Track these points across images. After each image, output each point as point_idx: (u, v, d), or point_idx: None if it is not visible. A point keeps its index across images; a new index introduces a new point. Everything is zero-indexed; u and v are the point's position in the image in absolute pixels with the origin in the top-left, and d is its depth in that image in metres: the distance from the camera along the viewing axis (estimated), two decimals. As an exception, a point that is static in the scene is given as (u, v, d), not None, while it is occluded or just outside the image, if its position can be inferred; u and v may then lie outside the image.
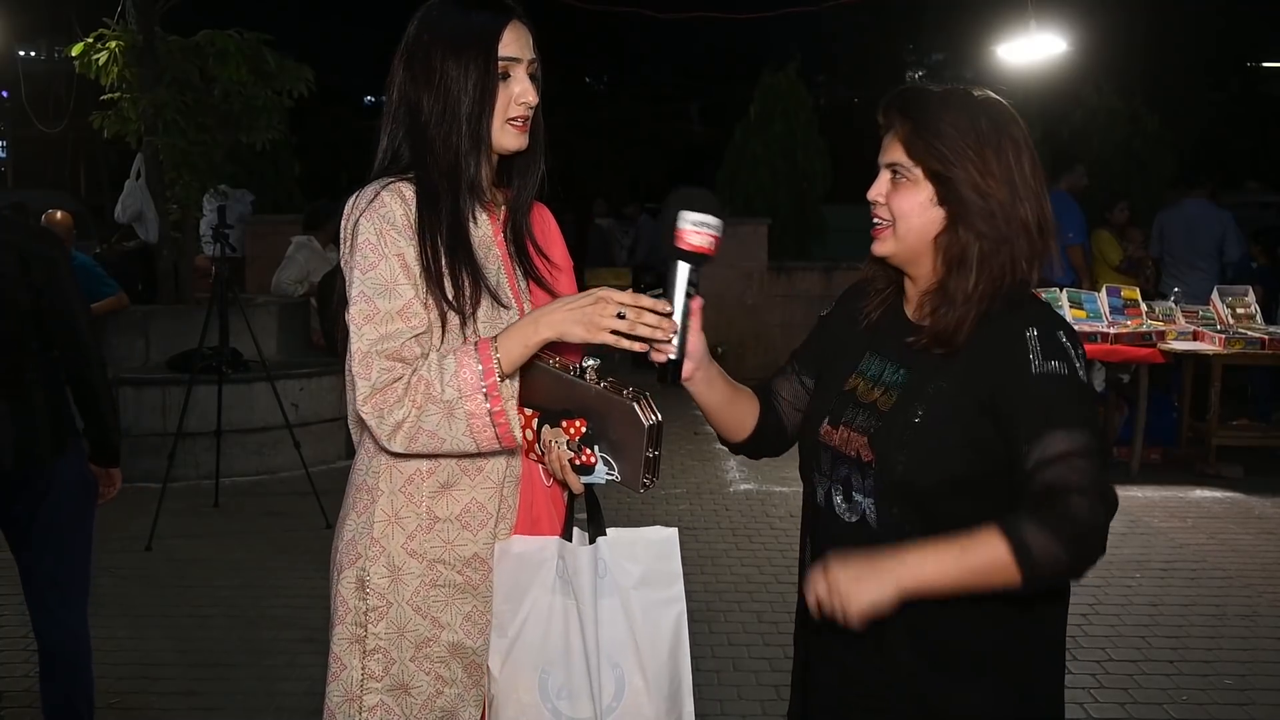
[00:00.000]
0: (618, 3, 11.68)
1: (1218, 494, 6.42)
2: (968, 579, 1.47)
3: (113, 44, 6.95)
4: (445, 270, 1.74)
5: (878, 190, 1.66)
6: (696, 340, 1.69)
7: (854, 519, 1.66)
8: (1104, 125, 10.73)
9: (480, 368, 1.69)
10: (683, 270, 1.66)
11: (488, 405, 1.69)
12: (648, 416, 1.67)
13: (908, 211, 1.62)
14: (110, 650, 3.90)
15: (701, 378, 1.74)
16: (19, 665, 3.83)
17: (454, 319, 1.76)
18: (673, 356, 1.67)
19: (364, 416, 1.71)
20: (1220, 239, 8.27)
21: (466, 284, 1.75)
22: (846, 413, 1.69)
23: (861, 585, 1.47)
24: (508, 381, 1.72)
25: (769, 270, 10.45)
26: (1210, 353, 6.64)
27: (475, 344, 1.72)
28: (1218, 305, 7.10)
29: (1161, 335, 6.72)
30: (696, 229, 1.64)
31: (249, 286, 9.44)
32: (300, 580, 4.78)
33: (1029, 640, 1.65)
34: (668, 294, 1.66)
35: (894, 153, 1.64)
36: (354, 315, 1.73)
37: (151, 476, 5.72)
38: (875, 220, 1.67)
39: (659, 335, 1.65)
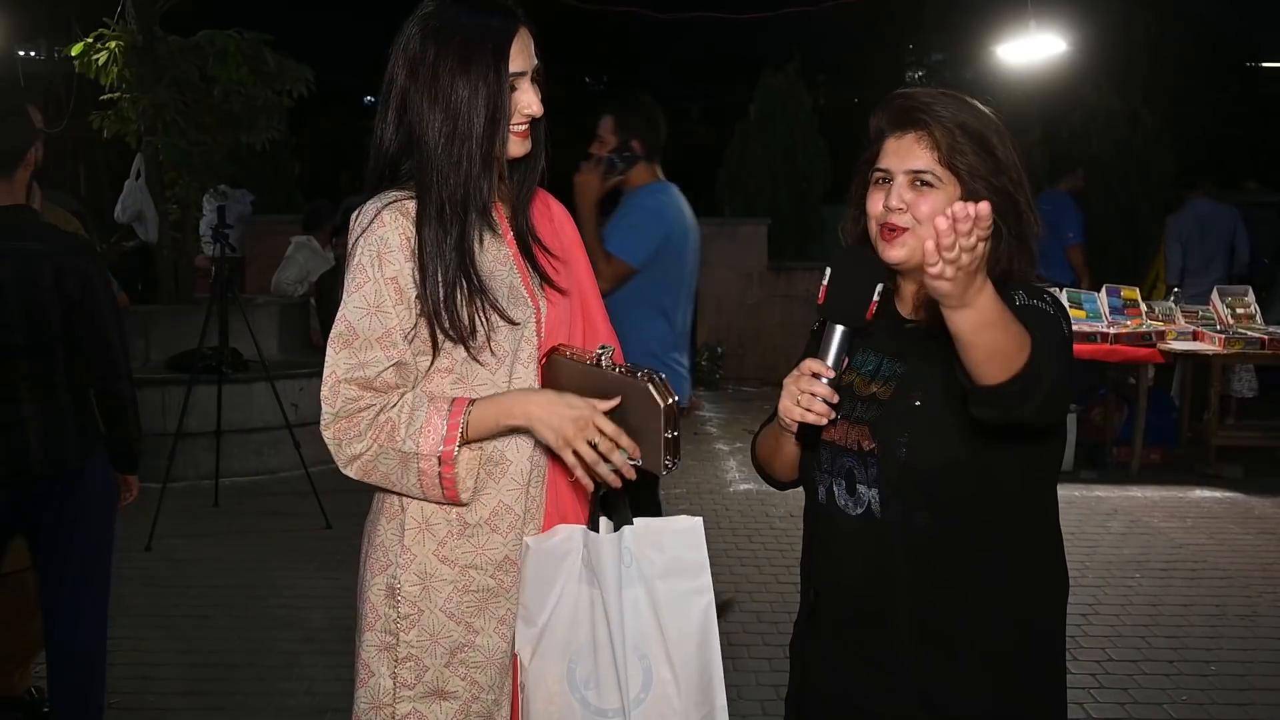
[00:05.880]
0: (618, 3, 11.67)
1: (1218, 494, 6.41)
2: (1008, 325, 1.38)
3: (112, 44, 6.95)
4: (443, 300, 1.73)
5: (898, 198, 1.62)
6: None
7: (858, 511, 1.66)
8: (1104, 125, 10.72)
9: (444, 432, 1.71)
10: (844, 334, 1.58)
11: (439, 470, 1.72)
12: (663, 397, 1.67)
13: (932, 214, 1.59)
14: (110, 650, 3.89)
15: None
16: (19, 665, 3.83)
17: (450, 345, 1.76)
18: (826, 420, 1.56)
19: (325, 439, 1.73)
20: (1231, 236, 8.19)
21: (464, 314, 1.74)
22: (843, 407, 1.67)
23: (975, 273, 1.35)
24: (467, 448, 1.74)
25: (769, 270, 10.44)
26: (1210, 353, 6.64)
27: (451, 403, 1.74)
28: (1217, 305, 7.10)
29: (1161, 335, 6.72)
30: (878, 300, 1.58)
31: (249, 286, 9.44)
32: (300, 580, 4.78)
33: (1031, 638, 1.65)
34: (823, 355, 1.57)
35: (918, 159, 1.62)
36: (332, 336, 1.73)
37: (151, 476, 5.70)
38: (891, 227, 1.64)
39: (616, 476, 1.70)
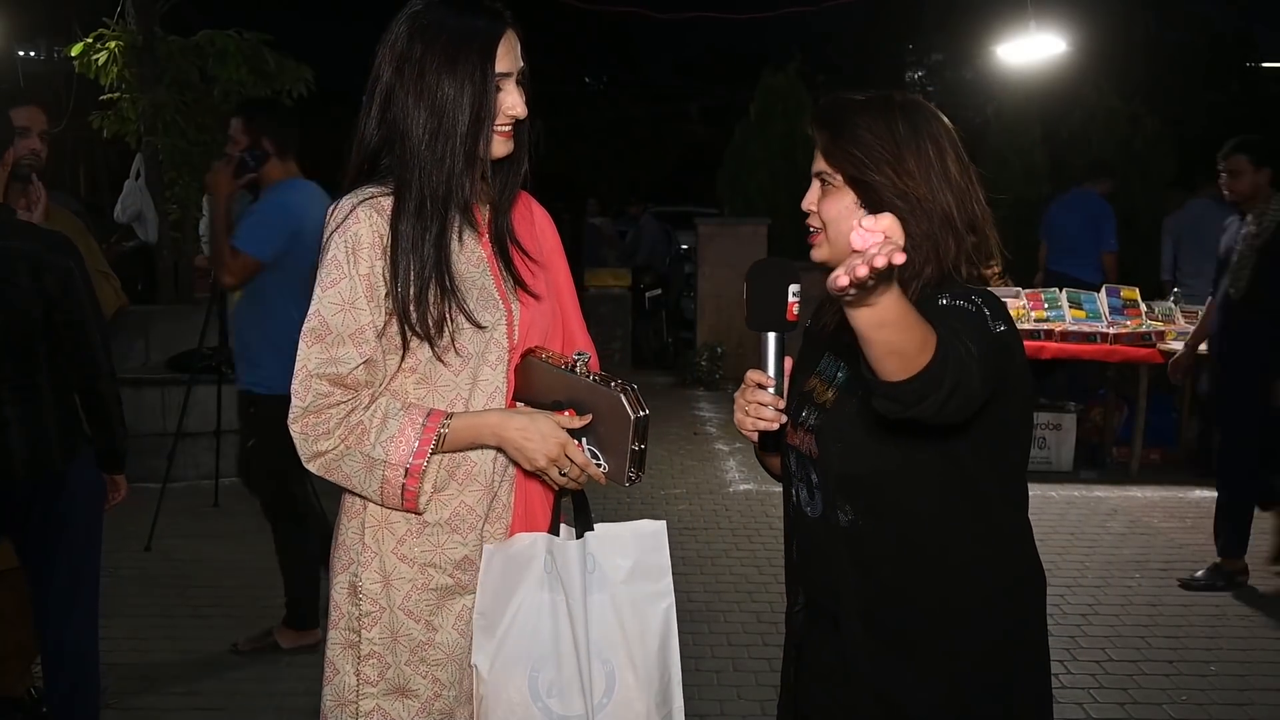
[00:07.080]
0: (618, 3, 11.68)
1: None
2: (910, 327, 1.37)
3: (112, 44, 6.95)
4: (414, 297, 1.73)
5: (810, 199, 1.72)
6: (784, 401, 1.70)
7: (817, 514, 1.71)
8: (1104, 125, 10.72)
9: (417, 444, 1.73)
10: (777, 340, 1.67)
11: (404, 481, 1.73)
12: (634, 409, 1.69)
13: (835, 217, 1.69)
14: (110, 650, 3.90)
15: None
16: (19, 665, 3.82)
17: (417, 343, 1.76)
18: (777, 426, 1.68)
19: (292, 433, 1.75)
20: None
21: (434, 312, 1.74)
22: (803, 413, 1.74)
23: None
24: (436, 458, 1.76)
25: (769, 270, 10.43)
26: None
27: (426, 416, 1.75)
28: (1218, 305, 7.08)
29: (1161, 335, 6.71)
30: (796, 299, 1.67)
31: (249, 286, 9.43)
32: (300, 580, 4.77)
33: (995, 641, 1.65)
34: (763, 365, 1.67)
35: (819, 161, 1.70)
36: (305, 331, 1.74)
37: (151, 476, 5.71)
38: (809, 228, 1.74)
39: (574, 486, 1.79)
